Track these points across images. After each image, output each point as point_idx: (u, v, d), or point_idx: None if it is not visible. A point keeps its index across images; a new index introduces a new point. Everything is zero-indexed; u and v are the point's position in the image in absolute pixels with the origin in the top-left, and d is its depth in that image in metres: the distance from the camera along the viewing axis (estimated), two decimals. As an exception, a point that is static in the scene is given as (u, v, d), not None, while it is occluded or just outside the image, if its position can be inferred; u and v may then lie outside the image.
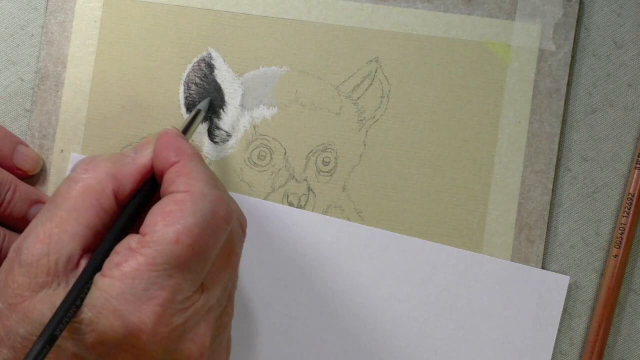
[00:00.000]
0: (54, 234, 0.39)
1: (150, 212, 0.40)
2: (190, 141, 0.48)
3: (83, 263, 0.40)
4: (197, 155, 0.43)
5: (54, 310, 0.37)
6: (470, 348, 0.50)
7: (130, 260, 0.38)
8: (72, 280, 0.39)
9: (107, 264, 0.39)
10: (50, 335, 0.37)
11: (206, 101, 0.51)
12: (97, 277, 0.39)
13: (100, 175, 0.42)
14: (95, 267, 0.39)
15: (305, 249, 0.50)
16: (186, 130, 0.47)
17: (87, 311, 0.38)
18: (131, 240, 0.39)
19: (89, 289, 0.38)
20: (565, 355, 0.50)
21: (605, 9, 0.51)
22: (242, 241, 0.43)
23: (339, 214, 0.51)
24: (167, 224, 0.39)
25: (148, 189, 0.43)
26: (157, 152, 0.43)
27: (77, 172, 0.42)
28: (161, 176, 0.42)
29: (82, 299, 0.38)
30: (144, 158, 0.43)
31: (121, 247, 0.39)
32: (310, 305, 0.50)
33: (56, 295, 0.38)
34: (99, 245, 0.40)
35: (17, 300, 0.39)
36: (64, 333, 0.38)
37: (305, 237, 0.50)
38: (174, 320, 0.39)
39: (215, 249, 0.40)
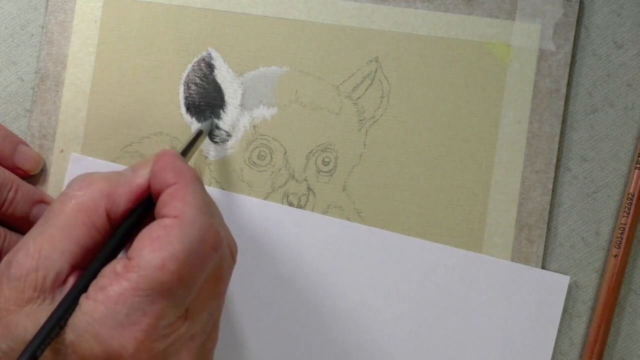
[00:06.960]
0: (44, 249, 0.39)
1: (139, 237, 0.40)
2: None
3: (71, 280, 0.40)
4: (196, 179, 0.42)
5: (37, 327, 0.37)
6: (470, 348, 0.50)
7: (114, 285, 0.38)
8: (58, 297, 0.39)
9: (93, 287, 0.39)
10: (31, 354, 0.36)
11: (208, 122, 0.50)
12: (82, 299, 0.38)
13: (95, 193, 0.41)
14: (81, 288, 0.39)
15: (305, 249, 0.50)
16: (186, 151, 0.46)
17: (69, 333, 0.38)
18: (117, 264, 0.39)
19: (73, 309, 0.38)
20: (565, 355, 0.50)
21: (605, 9, 0.51)
22: (231, 268, 0.43)
23: (339, 214, 0.51)
24: (153, 249, 0.38)
25: (142, 210, 0.42)
26: (155, 172, 0.42)
27: (72, 188, 0.42)
28: (158, 197, 0.42)
29: (66, 320, 0.38)
30: (140, 178, 0.42)
31: (107, 270, 0.39)
32: (310, 305, 0.50)
33: (41, 311, 0.38)
34: (89, 265, 0.40)
35: (1, 314, 0.39)
36: (46, 353, 0.38)
37: (305, 237, 0.50)
38: (155, 347, 0.38)
39: (202, 277, 0.40)
